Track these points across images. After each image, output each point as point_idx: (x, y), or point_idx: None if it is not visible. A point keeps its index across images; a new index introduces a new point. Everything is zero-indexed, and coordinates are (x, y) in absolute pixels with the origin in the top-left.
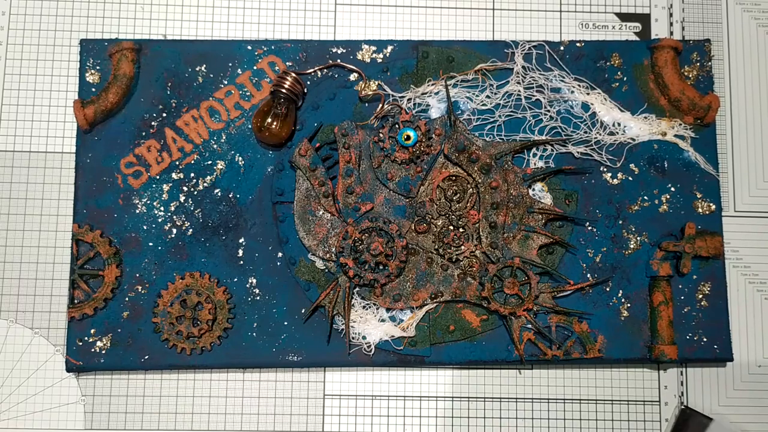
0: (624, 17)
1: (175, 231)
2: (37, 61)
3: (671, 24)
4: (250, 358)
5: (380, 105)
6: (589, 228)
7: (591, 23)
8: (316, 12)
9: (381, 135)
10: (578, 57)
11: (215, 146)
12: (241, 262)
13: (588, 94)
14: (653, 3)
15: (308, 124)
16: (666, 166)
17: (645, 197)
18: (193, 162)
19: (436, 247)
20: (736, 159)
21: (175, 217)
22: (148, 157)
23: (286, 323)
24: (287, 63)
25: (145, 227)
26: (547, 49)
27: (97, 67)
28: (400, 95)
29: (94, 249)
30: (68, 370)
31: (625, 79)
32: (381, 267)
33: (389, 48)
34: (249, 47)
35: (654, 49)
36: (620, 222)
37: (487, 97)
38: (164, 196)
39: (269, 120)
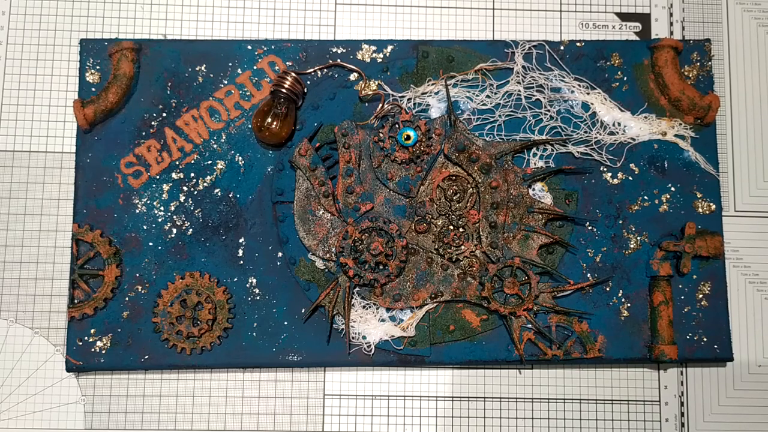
0: (624, 17)
1: (175, 231)
2: (37, 61)
3: (671, 24)
4: (250, 358)
5: (380, 105)
6: (589, 228)
7: (591, 23)
8: (316, 12)
9: (381, 135)
10: (578, 57)
11: (215, 146)
12: (241, 262)
13: (588, 93)
14: (653, 3)
15: (308, 124)
16: (666, 165)
17: (645, 197)
18: (193, 162)
19: (436, 247)
20: (736, 159)
21: (175, 217)
22: (148, 157)
23: (286, 323)
24: (287, 63)
25: (145, 227)
26: (547, 48)
27: (97, 67)
28: (400, 95)
29: (94, 249)
30: (68, 370)
31: (625, 78)
32: (381, 267)
33: (389, 48)
34: (249, 47)
35: (654, 48)
36: (620, 222)
37: (487, 96)
38: (164, 196)
39: (269, 120)
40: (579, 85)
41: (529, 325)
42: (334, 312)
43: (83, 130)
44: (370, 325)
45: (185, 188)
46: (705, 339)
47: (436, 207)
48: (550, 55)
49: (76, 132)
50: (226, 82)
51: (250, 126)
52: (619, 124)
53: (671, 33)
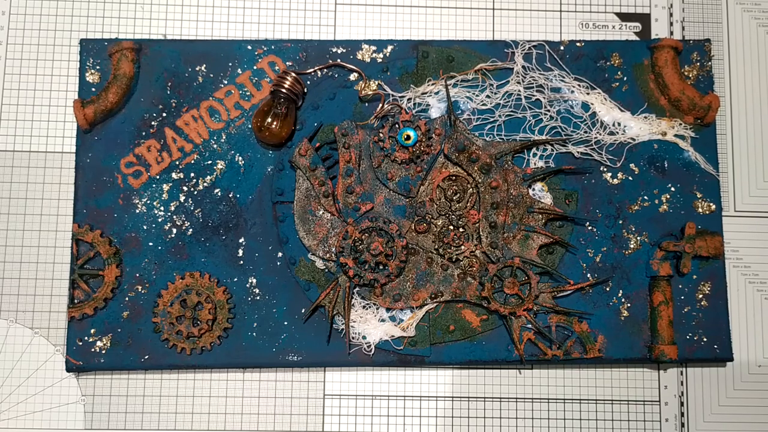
0: (624, 17)
1: (175, 231)
2: (37, 61)
3: (671, 24)
4: (250, 358)
5: (380, 105)
6: (589, 228)
7: (591, 23)
8: (316, 12)
9: (381, 135)
10: (578, 57)
11: (215, 146)
12: (241, 262)
13: (588, 94)
14: (653, 3)
15: (308, 124)
16: (666, 166)
17: (645, 197)
18: (193, 162)
19: (436, 247)
20: (736, 159)
21: (175, 217)
22: (148, 157)
23: (286, 323)
24: (287, 63)
25: (145, 227)
26: (547, 49)
27: (97, 67)
28: (400, 95)
29: (94, 249)
30: (68, 370)
31: (625, 78)
32: (381, 267)
33: (389, 48)
34: (249, 47)
35: (654, 48)
36: (620, 222)
37: (487, 96)
38: (164, 196)
39: (269, 120)
40: (579, 85)
41: (529, 325)
42: (334, 312)
43: (83, 130)
44: (370, 325)
45: (185, 188)
46: (705, 339)
47: (436, 207)
48: (550, 55)
49: (76, 132)
50: (226, 82)
51: (250, 126)
52: (619, 124)
53: (671, 33)
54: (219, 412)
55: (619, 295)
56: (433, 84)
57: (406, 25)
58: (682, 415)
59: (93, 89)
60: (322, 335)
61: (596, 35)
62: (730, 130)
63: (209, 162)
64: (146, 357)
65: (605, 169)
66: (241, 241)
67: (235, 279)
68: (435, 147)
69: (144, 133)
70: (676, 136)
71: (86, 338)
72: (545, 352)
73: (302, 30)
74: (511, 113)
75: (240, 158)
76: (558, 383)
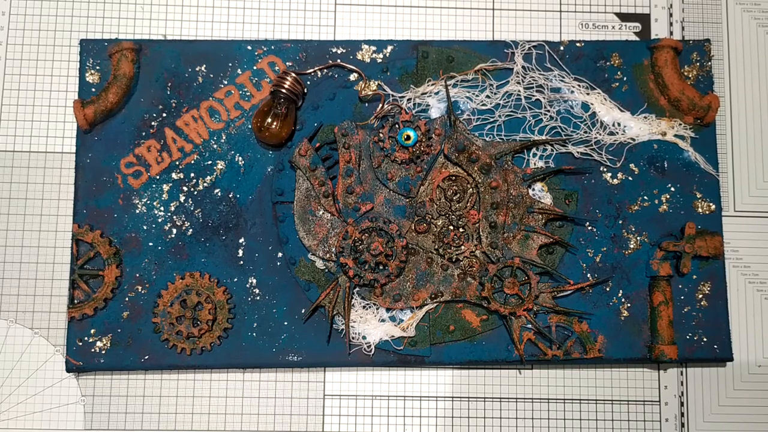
0: (624, 17)
1: (175, 231)
2: (37, 61)
3: (671, 24)
4: (250, 358)
5: (380, 105)
6: (589, 228)
7: (591, 23)
8: (316, 12)
9: (381, 135)
10: (578, 57)
11: (215, 146)
12: (241, 262)
13: (588, 94)
14: (653, 3)
15: (308, 124)
16: (666, 166)
17: (645, 197)
18: (193, 162)
19: (436, 247)
20: (736, 159)
21: (175, 217)
22: (148, 157)
23: (286, 323)
24: (287, 63)
25: (145, 227)
26: (547, 49)
27: (97, 67)
28: (400, 95)
29: (94, 249)
30: (68, 370)
31: (625, 79)
32: (381, 267)
33: (389, 48)
34: (249, 47)
35: (654, 49)
36: (620, 222)
37: (487, 97)
38: (164, 196)
39: (269, 120)
40: (579, 86)
41: (529, 325)
42: (334, 312)
43: (83, 130)
44: (370, 325)
45: (185, 188)
46: (705, 339)
47: (436, 207)
48: (550, 56)
49: (76, 132)
50: (226, 82)
51: (250, 126)
52: (618, 124)
53: (671, 33)
54: (219, 413)
55: (619, 295)
56: (433, 84)
57: (406, 25)
58: (682, 415)
59: (93, 89)
60: (322, 335)
61: (596, 35)
62: (729, 130)
63: (209, 162)
64: (146, 357)
65: (605, 169)
66: (241, 241)
67: (235, 279)
68: (435, 147)
69: (144, 134)
70: (675, 136)
71: (86, 338)
72: (545, 352)
73: (302, 30)
74: (511, 113)
75: (240, 158)
76: (558, 383)
